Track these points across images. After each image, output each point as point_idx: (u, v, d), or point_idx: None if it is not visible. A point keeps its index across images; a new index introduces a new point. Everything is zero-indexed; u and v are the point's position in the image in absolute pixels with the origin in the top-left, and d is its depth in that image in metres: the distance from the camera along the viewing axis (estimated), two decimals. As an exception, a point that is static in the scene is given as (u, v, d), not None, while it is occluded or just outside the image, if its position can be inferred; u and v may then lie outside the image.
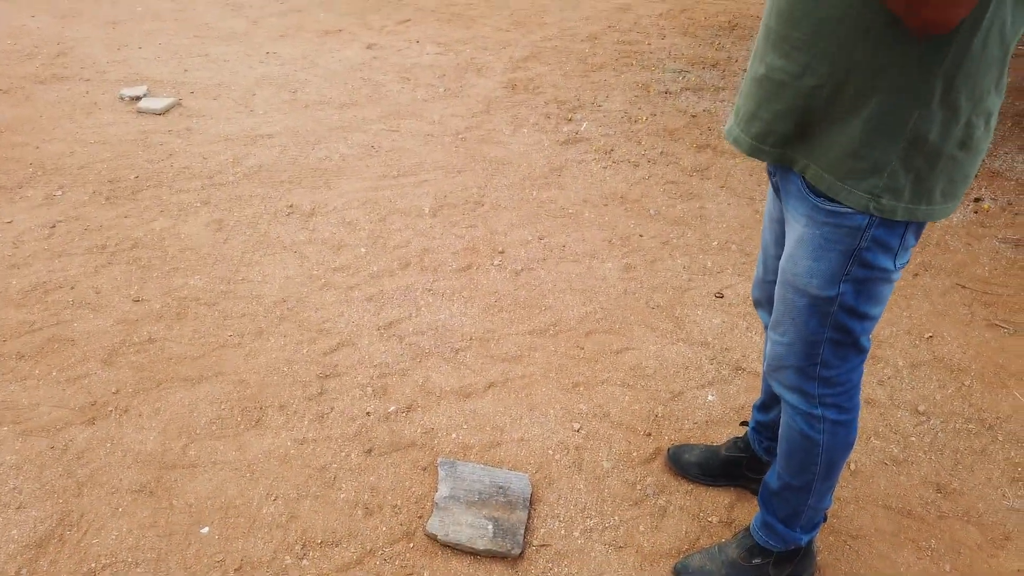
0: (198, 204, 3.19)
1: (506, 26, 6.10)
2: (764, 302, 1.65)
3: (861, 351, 1.40)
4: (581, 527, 1.82)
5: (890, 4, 0.96)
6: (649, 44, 5.78)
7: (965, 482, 1.97)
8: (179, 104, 4.22)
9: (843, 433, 1.49)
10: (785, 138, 1.24)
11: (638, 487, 1.93)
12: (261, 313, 2.54)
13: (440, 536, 1.75)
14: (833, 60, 1.13)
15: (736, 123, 1.34)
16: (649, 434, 2.11)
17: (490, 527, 1.76)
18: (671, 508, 1.88)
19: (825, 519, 1.65)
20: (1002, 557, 1.77)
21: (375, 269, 2.82)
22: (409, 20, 6.27)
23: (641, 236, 3.13)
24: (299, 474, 1.93)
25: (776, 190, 1.44)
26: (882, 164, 1.14)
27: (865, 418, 2.16)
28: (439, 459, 1.95)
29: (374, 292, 2.68)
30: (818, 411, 1.45)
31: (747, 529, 1.71)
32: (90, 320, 2.46)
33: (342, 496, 1.88)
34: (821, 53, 1.14)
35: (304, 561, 1.71)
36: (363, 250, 2.94)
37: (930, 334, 2.54)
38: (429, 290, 2.71)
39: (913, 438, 2.11)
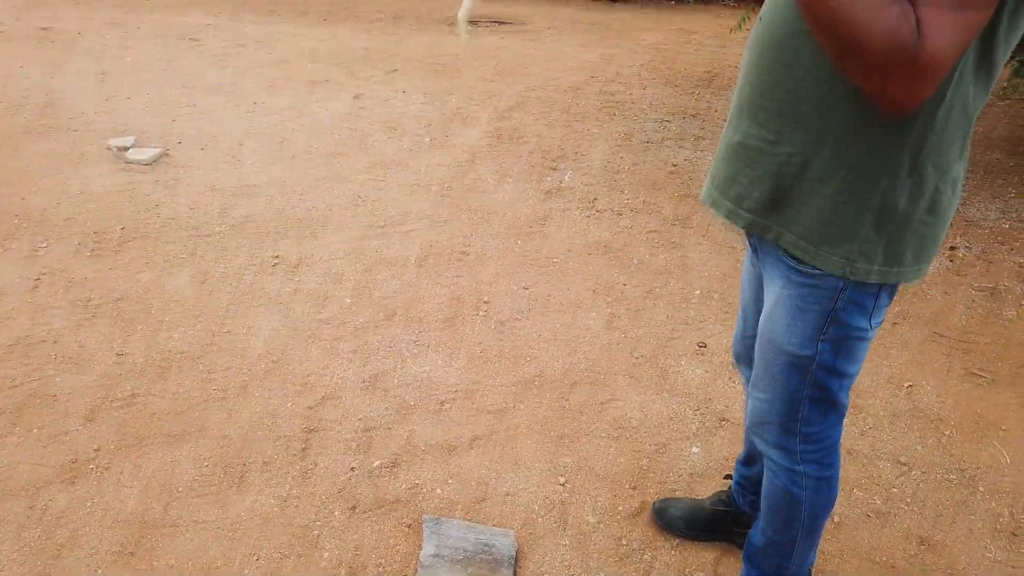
0: (184, 256, 3.20)
1: (491, 77, 6.22)
2: (744, 358, 1.68)
3: (840, 408, 1.42)
4: (567, 585, 1.81)
5: (858, 83, 1.01)
6: (631, 95, 5.90)
7: (948, 534, 1.98)
8: (166, 155, 4.25)
9: (825, 489, 1.50)
10: (761, 204, 1.28)
11: (624, 542, 1.93)
12: (245, 367, 2.54)
13: (425, 597, 1.73)
14: (806, 130, 1.17)
15: (713, 187, 1.38)
16: (634, 488, 2.11)
17: (475, 587, 1.75)
18: (657, 564, 1.87)
19: (810, 575, 1.65)
20: (986, 611, 1.77)
21: (360, 321, 2.83)
22: (396, 71, 6.38)
23: (625, 286, 3.16)
24: (282, 533, 1.91)
25: (754, 250, 1.48)
26: (855, 230, 1.18)
27: (848, 469, 2.18)
28: (424, 517, 1.95)
29: (359, 344, 2.69)
30: (800, 467, 1.47)
31: (733, 586, 1.70)
32: (73, 375, 2.44)
33: (326, 556, 1.86)
34: (794, 123, 1.18)
35: (286, 624, 1.69)
36: (348, 301, 2.95)
37: (909, 384, 2.57)
38: (414, 342, 2.72)
39: (895, 489, 2.13)
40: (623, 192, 4.09)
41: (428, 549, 1.83)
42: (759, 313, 1.55)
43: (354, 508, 2.00)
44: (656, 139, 4.91)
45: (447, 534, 1.88)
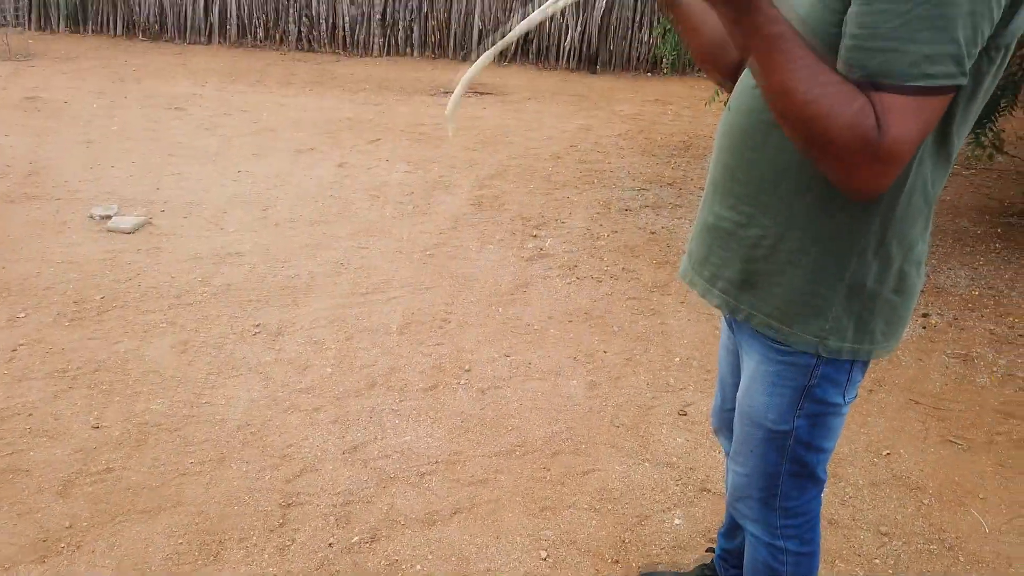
0: (164, 325, 3.19)
1: (473, 145, 6.35)
2: (724, 430, 1.69)
3: (818, 482, 1.44)
4: (549, 665, 1.77)
5: (823, 171, 1.06)
6: (609, 163, 6.05)
7: (931, 606, 1.98)
8: (149, 223, 4.28)
9: (806, 564, 1.50)
10: (733, 284, 1.32)
11: (607, 619, 1.90)
12: (223, 438, 2.51)
13: None
14: (775, 213, 1.22)
15: (690, 265, 1.42)
16: (617, 561, 2.09)
17: (455, 667, 1.71)
18: (640, 641, 1.84)
19: (794, 652, 1.63)
20: None
21: (341, 390, 2.82)
22: (379, 139, 6.50)
23: (605, 352, 3.19)
24: (258, 613, 1.87)
25: (730, 325, 1.51)
26: (825, 309, 1.22)
27: (829, 540, 2.18)
28: (403, 593, 1.91)
29: (339, 414, 2.68)
30: (780, 543, 1.48)
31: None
32: (47, 449, 2.40)
33: (302, 636, 1.81)
34: (764, 206, 1.23)
35: None
36: (329, 370, 2.94)
37: (888, 451, 2.59)
38: (395, 411, 2.71)
39: (877, 560, 2.12)
40: (603, 259, 4.15)
41: (407, 628, 1.80)
42: (737, 386, 1.57)
43: (332, 585, 1.96)
44: (634, 207, 5.01)
45: (427, 612, 1.85)
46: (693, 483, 2.41)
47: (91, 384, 2.76)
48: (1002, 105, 4.21)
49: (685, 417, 2.76)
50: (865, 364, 1.31)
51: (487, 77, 9.92)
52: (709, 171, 1.36)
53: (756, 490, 1.43)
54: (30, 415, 2.56)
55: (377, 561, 2.04)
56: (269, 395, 2.76)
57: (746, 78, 1.23)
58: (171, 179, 5.05)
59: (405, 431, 2.60)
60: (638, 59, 10.92)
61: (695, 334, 3.35)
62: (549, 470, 2.44)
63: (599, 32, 10.82)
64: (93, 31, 11.09)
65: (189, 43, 11.06)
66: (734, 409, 1.49)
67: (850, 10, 1.01)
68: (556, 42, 10.78)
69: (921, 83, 0.96)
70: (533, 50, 10.74)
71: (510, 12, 10.93)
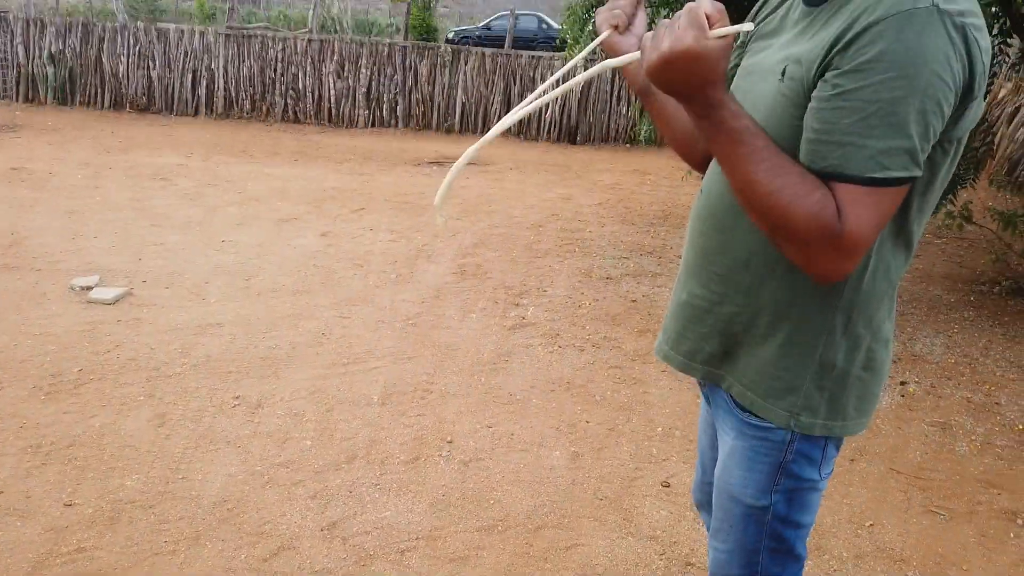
0: (142, 398, 3.16)
1: (456, 214, 6.44)
2: (706, 504, 1.69)
3: (798, 558, 1.43)
4: None
5: (788, 256, 1.10)
6: (590, 232, 6.15)
7: None
8: (130, 294, 4.27)
9: (790, 643, 1.48)
10: (711, 357, 1.34)
11: None
12: (199, 515, 2.46)
13: None
14: (747, 293, 1.25)
15: (665, 341, 1.45)
16: (601, 640, 2.04)
17: None
18: None
19: None
20: None
21: (320, 464, 2.79)
22: (363, 209, 6.58)
23: (588, 423, 3.18)
24: None
25: (707, 400, 1.53)
26: (797, 385, 1.24)
27: (816, 615, 2.15)
28: None
29: (318, 489, 2.64)
30: (763, 620, 1.46)
31: None
32: (17, 529, 2.34)
33: None
34: (735, 286, 1.27)
35: None
36: (309, 443, 2.91)
37: (871, 522, 2.58)
38: (376, 485, 2.68)
39: (865, 636, 2.09)
40: (584, 327, 4.18)
41: None
42: (716, 460, 1.58)
43: (308, 671, 1.90)
44: (615, 275, 5.08)
45: None
46: (677, 558, 2.38)
47: (65, 460, 2.70)
48: (967, 180, 4.38)
49: (668, 489, 2.74)
50: (840, 440, 1.33)
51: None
52: (683, 251, 1.40)
53: (737, 567, 1.42)
54: (1, 493, 2.50)
55: (355, 644, 1.99)
56: (247, 469, 2.72)
57: (716, 164, 1.28)
58: (154, 249, 5.06)
59: (385, 506, 2.56)
60: (617, 131, 11.23)
61: (677, 403, 3.36)
62: (532, 545, 2.41)
63: (579, 105, 11.15)
64: (80, 104, 11.26)
65: (176, 115, 11.25)
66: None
67: (810, 106, 1.07)
68: (537, 114, 11.07)
69: (878, 175, 1.01)
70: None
71: (492, 87, 11.25)
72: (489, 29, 19.97)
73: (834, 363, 1.22)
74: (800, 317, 1.21)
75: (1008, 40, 4.98)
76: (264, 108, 11.32)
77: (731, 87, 1.29)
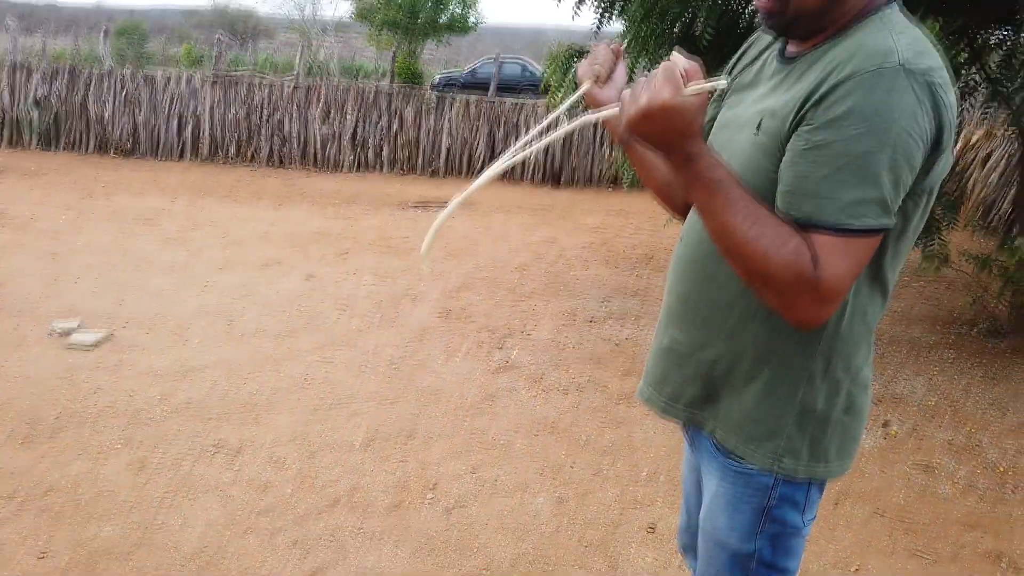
0: (120, 444, 3.11)
1: (440, 257, 6.47)
2: (691, 549, 1.68)
3: (784, 604, 1.42)
4: None
5: (766, 302, 1.12)
6: (574, 274, 6.19)
7: None
8: (111, 337, 4.23)
9: None
10: (694, 401, 1.36)
11: None
12: (177, 564, 2.40)
13: None
14: (727, 338, 1.27)
15: (648, 385, 1.46)
16: None
17: None
18: None
19: None
20: None
21: (301, 510, 2.74)
22: (347, 251, 6.60)
23: (572, 467, 3.16)
24: None
25: (691, 443, 1.53)
26: (779, 429, 1.25)
27: (804, 662, 2.12)
28: None
29: (300, 536, 2.59)
30: (751, 667, 1.44)
31: None
32: (-14, 580, 2.28)
33: None
34: (716, 331, 1.28)
35: None
36: (290, 490, 2.87)
37: (856, 566, 2.57)
38: (358, 531, 2.64)
39: None
40: (569, 369, 4.18)
41: None
42: (701, 504, 1.58)
43: None
44: (599, 317, 5.10)
45: None
46: (663, 604, 2.35)
47: (40, 509, 2.65)
48: (946, 223, 4.48)
49: (654, 533, 2.72)
50: (823, 483, 1.33)
51: (454, 191, 10.20)
52: (664, 296, 1.42)
53: (723, 613, 1.41)
54: (-29, 544, 2.44)
55: None
56: (227, 516, 2.67)
57: (696, 211, 1.31)
58: (136, 293, 5.03)
59: (368, 553, 2.52)
60: (600, 174, 11.37)
61: (661, 445, 3.35)
62: (516, 593, 2.37)
63: (562, 148, 11.30)
64: (65, 148, 11.28)
65: (161, 159, 11.28)
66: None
67: (785, 158, 1.10)
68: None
69: (851, 225, 1.04)
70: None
71: (476, 131, 11.40)
72: (474, 74, 20.29)
73: (815, 407, 1.24)
74: (780, 362, 1.23)
75: (976, 83, 5.14)
76: (249, 152, 11.38)
77: (709, 138, 1.33)
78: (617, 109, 1.14)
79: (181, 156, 11.35)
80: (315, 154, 11.42)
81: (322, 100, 11.27)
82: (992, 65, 5.02)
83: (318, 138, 11.36)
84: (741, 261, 1.08)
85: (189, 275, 5.54)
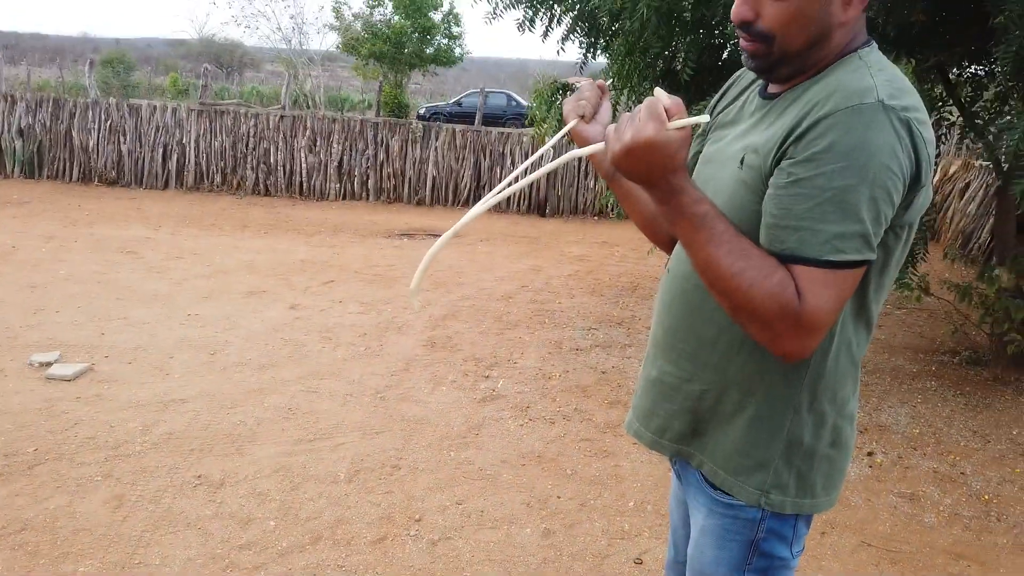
0: (99, 478, 3.05)
1: (426, 286, 6.46)
2: (678, 583, 1.66)
3: (773, 639, 1.41)
4: None
5: (751, 335, 1.13)
6: (560, 304, 6.19)
7: None
8: (91, 369, 4.17)
9: None
10: (681, 435, 1.35)
11: None
12: (156, 603, 2.35)
13: None
14: (715, 370, 1.28)
15: (635, 418, 1.46)
16: None
17: None
18: None
19: None
20: None
21: (284, 545, 2.70)
22: (332, 281, 6.58)
23: (559, 498, 3.14)
24: None
25: (678, 477, 1.53)
26: (766, 462, 1.25)
27: None
28: None
29: (281, 572, 2.55)
30: None
31: None
32: (-42, 621, 2.22)
33: None
34: (704, 363, 1.29)
35: None
36: (272, 524, 2.83)
37: (845, 598, 2.56)
38: (341, 567, 2.60)
39: None
40: (555, 399, 4.17)
41: None
42: (688, 538, 1.57)
43: None
44: (585, 346, 5.10)
45: None
46: (651, 638, 2.33)
47: (15, 546, 2.59)
48: (919, 253, 4.55)
49: (641, 566, 2.70)
50: (809, 517, 1.33)
51: (440, 221, 10.24)
52: (652, 328, 1.42)
53: (712, 649, 1.40)
54: (-57, 583, 2.38)
55: None
56: (207, 552, 2.62)
57: (681, 245, 1.32)
58: (117, 324, 4.98)
59: (351, 589, 2.48)
60: (585, 204, 11.47)
61: (648, 476, 3.34)
62: (502, 629, 2.34)
63: (548, 179, 11.39)
64: (48, 177, 11.23)
65: (145, 188, 11.25)
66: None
67: (768, 193, 1.12)
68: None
69: (834, 258, 1.05)
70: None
71: (462, 161, 11.47)
72: (460, 105, 20.48)
73: (802, 440, 1.24)
74: (767, 394, 1.23)
75: (952, 116, 5.25)
76: (235, 181, 11.38)
77: (693, 174, 1.35)
78: (602, 145, 1.16)
79: (166, 185, 11.33)
80: (301, 184, 11.43)
81: (308, 131, 11.32)
82: (964, 99, 5.14)
83: (304, 168, 11.38)
84: (726, 294, 1.09)
85: (172, 305, 5.50)
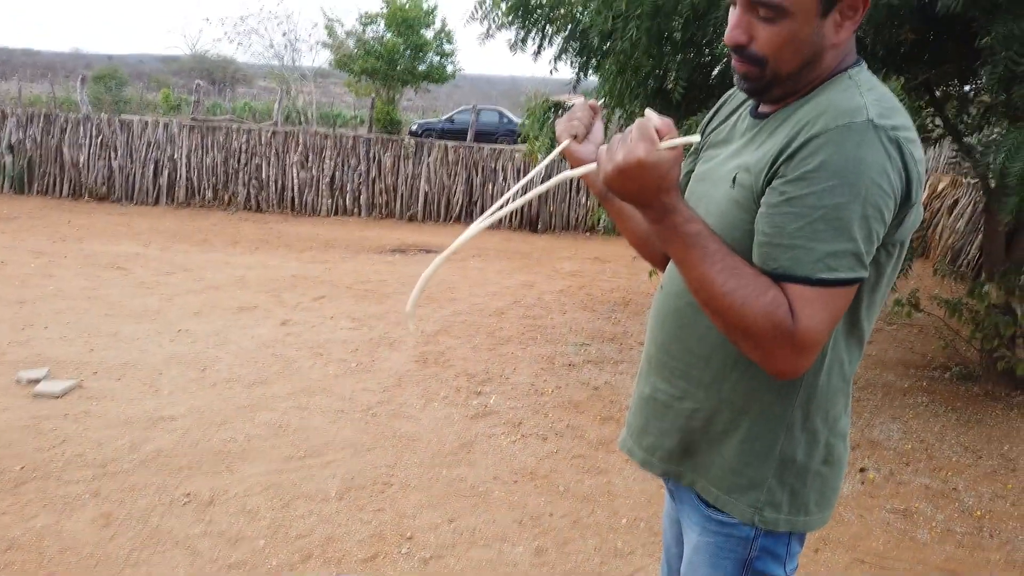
0: (86, 496, 3.02)
1: (418, 302, 6.44)
2: (671, 602, 1.65)
3: (768, 659, 1.40)
4: None
5: (745, 353, 1.13)
6: (552, 319, 6.19)
7: None
8: (80, 386, 4.14)
9: None
10: (673, 453, 1.35)
11: None
12: (143, 624, 2.32)
13: None
14: (707, 388, 1.27)
15: (629, 435, 1.45)
16: None
17: None
18: None
19: None
20: None
21: (273, 564, 2.67)
22: (324, 297, 6.56)
23: (551, 515, 3.12)
24: None
25: (671, 495, 1.52)
26: (759, 480, 1.25)
27: None
28: None
29: (272, 592, 2.52)
30: None
31: None
32: (-60, 643, 2.18)
33: None
34: (697, 381, 1.29)
35: None
36: (262, 542, 2.80)
37: (839, 616, 2.55)
38: (332, 586, 2.57)
39: None
40: (547, 415, 4.15)
41: None
42: (682, 556, 1.56)
43: None
44: (577, 362, 5.09)
45: None
46: (645, 658, 2.31)
47: (1, 565, 2.55)
48: (904, 268, 4.58)
49: (634, 584, 2.68)
50: (803, 535, 1.33)
51: (432, 236, 10.25)
52: (645, 346, 1.42)
53: (706, 669, 1.39)
54: (-74, 604, 2.34)
55: None
56: (196, 572, 2.59)
57: (674, 264, 1.32)
58: (106, 340, 4.95)
59: (342, 609, 2.45)
60: (577, 220, 11.50)
61: (641, 492, 3.32)
62: (495, 648, 2.31)
63: (540, 196, 11.42)
64: (38, 192, 11.19)
65: (136, 204, 11.22)
66: (680, 581, 1.47)
67: (760, 211, 1.12)
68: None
69: (826, 276, 1.06)
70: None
71: (455, 177, 11.50)
72: (452, 122, 20.57)
73: (794, 458, 1.24)
74: (759, 412, 1.23)
75: (941, 134, 5.30)
76: (226, 197, 11.36)
77: (686, 193, 1.35)
78: (595, 166, 1.16)
79: (157, 201, 11.31)
80: (292, 199, 11.43)
81: (300, 146, 11.33)
82: (951, 116, 5.19)
83: (296, 183, 11.38)
84: (719, 313, 1.09)
85: (162, 321, 5.47)
